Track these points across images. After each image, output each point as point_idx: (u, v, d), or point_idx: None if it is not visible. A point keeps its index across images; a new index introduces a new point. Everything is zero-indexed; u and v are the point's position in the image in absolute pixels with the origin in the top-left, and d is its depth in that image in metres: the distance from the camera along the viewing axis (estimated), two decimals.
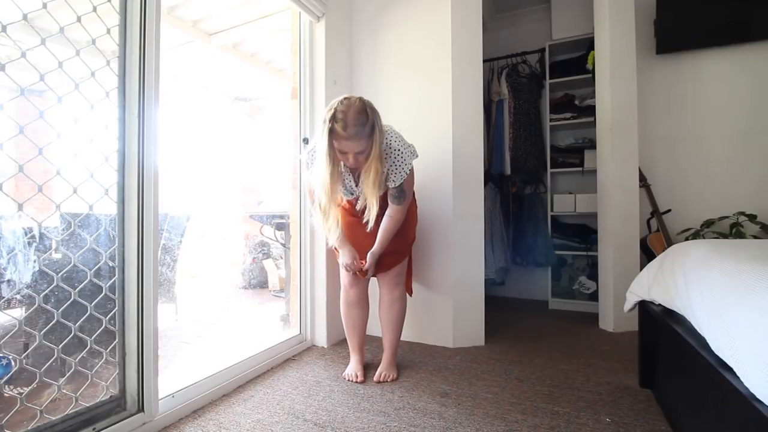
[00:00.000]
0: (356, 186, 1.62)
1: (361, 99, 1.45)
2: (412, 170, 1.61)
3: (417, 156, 1.62)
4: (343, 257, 1.68)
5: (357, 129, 1.38)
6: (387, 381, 1.68)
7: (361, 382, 1.67)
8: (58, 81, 1.11)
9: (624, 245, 2.41)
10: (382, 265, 1.73)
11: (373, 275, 1.77)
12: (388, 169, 1.54)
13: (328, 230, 1.58)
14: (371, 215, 1.52)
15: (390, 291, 1.78)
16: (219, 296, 3.83)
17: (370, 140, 1.43)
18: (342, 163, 1.52)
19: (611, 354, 1.98)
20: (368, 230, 1.59)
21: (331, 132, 1.40)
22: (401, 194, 1.60)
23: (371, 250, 1.64)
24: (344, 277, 1.78)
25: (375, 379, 1.69)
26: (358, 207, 1.65)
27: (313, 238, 2.17)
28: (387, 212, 1.64)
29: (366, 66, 2.37)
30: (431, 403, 1.49)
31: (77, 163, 1.16)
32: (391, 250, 1.70)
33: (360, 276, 1.72)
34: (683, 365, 1.18)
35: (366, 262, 1.66)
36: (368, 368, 1.81)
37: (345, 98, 1.44)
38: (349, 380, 1.69)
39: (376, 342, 2.14)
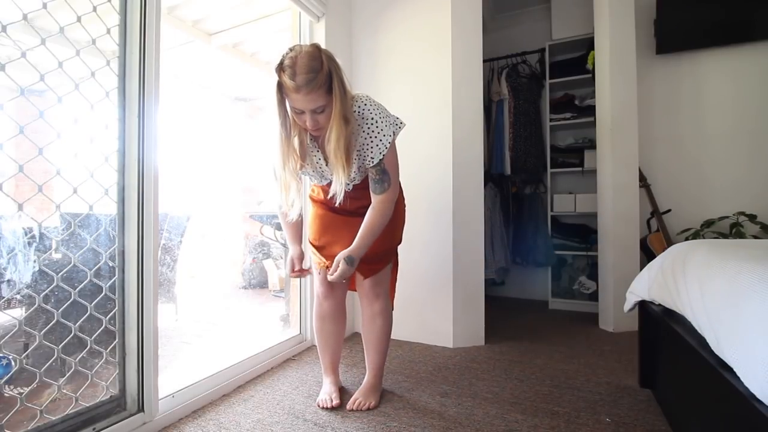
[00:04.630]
0: (326, 165, 1.33)
1: (314, 44, 1.19)
2: (393, 146, 1.30)
3: (401, 127, 1.33)
4: (288, 255, 1.51)
5: (308, 77, 1.10)
6: (362, 409, 1.42)
7: (338, 407, 1.44)
8: (58, 81, 1.11)
9: (624, 245, 2.41)
10: (357, 274, 1.47)
11: (350, 288, 1.56)
12: (362, 143, 1.27)
13: (289, 206, 1.34)
14: (338, 190, 1.26)
15: (370, 304, 1.49)
16: (219, 296, 3.83)
17: (328, 96, 1.17)
18: (307, 135, 1.29)
19: (611, 354, 1.99)
20: (338, 205, 1.30)
21: (279, 87, 1.16)
22: (383, 176, 1.29)
23: (345, 252, 1.28)
24: (318, 286, 1.52)
25: (348, 406, 1.43)
26: (330, 194, 1.31)
27: None
28: (371, 205, 1.33)
29: (366, 66, 2.37)
30: (431, 403, 1.49)
31: (77, 163, 1.16)
32: (371, 255, 1.38)
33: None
34: (683, 365, 1.18)
35: (333, 265, 1.29)
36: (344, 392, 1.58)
37: (296, 45, 1.19)
38: (323, 407, 1.43)
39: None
